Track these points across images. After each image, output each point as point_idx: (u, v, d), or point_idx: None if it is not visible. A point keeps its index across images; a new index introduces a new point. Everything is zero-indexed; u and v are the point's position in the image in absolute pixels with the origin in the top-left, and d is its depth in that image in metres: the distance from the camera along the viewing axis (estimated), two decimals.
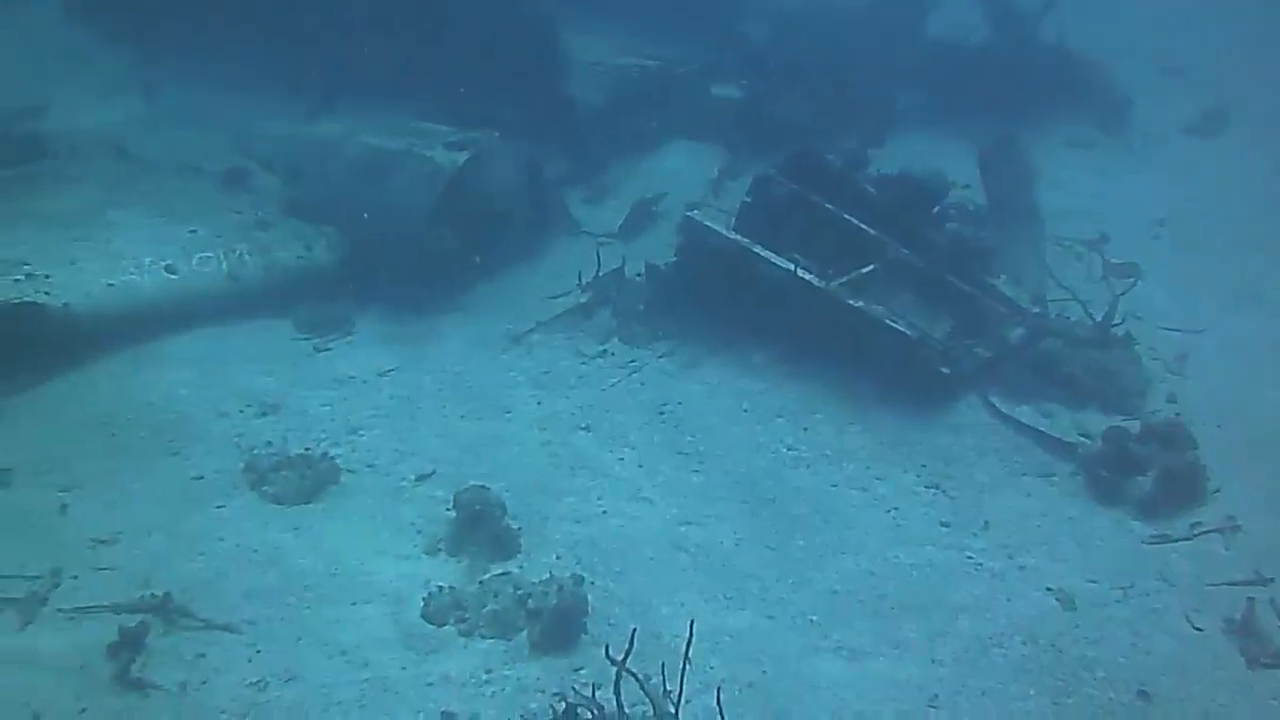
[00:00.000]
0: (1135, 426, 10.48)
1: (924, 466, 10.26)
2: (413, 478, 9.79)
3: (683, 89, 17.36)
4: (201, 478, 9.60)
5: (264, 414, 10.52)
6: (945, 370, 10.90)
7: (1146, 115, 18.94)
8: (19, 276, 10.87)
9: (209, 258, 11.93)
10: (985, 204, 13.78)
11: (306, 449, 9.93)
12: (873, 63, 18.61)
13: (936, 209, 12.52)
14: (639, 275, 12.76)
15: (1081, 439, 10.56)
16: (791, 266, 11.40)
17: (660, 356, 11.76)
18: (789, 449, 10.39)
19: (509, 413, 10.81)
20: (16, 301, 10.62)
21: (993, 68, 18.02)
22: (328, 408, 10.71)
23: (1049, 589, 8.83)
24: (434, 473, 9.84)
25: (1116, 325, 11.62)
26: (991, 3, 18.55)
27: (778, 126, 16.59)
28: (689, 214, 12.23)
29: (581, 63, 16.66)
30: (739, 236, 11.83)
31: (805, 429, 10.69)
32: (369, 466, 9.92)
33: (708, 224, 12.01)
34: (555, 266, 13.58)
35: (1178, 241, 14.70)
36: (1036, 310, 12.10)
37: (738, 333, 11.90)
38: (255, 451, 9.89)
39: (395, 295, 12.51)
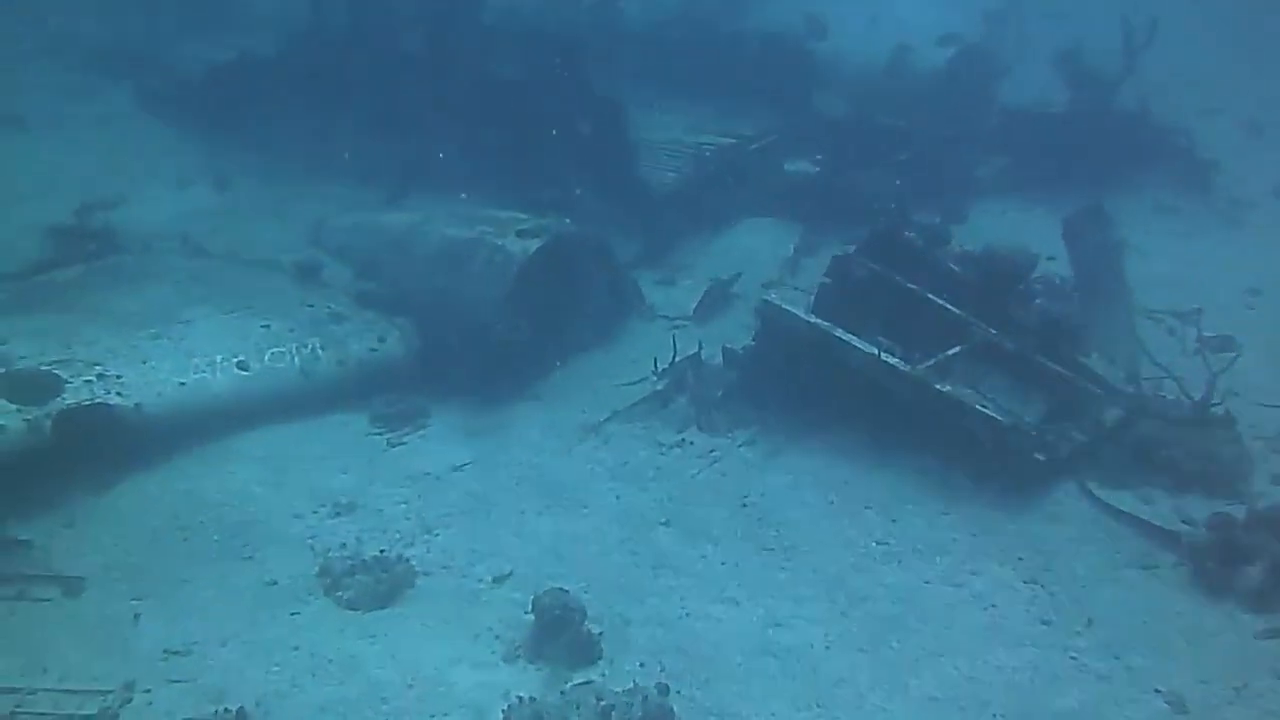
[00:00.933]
0: (1241, 513, 10.00)
1: (1021, 559, 9.86)
2: (490, 579, 9.57)
3: (756, 165, 17.16)
4: (275, 583, 9.43)
5: (338, 514, 10.35)
6: (1040, 457, 10.49)
7: (1233, 177, 18.42)
8: (90, 377, 10.82)
9: (281, 353, 11.84)
10: (1072, 277, 13.36)
11: (382, 551, 9.72)
12: (948, 131, 18.28)
13: (1023, 286, 12.11)
14: (716, 359, 12.43)
15: (1185, 527, 10.10)
16: (875, 350, 11.08)
17: (741, 445, 11.47)
18: (879, 543, 10.04)
19: (586, 508, 10.56)
20: (88, 403, 10.53)
21: (1073, 134, 17.65)
22: (403, 505, 10.52)
23: (1158, 690, 8.40)
24: (511, 574, 9.61)
25: (1216, 405, 11.16)
26: (1070, 68, 18.11)
27: (854, 201, 16.32)
28: (766, 298, 11.98)
29: (653, 142, 16.56)
30: (819, 320, 11.52)
31: (895, 521, 10.33)
32: (445, 568, 9.71)
33: (786, 308, 11.75)
34: (630, 352, 13.36)
35: (1273, 311, 14.14)
36: (1132, 390, 11.66)
37: (821, 419, 11.59)
38: (330, 554, 9.70)
39: (469, 386, 12.31)
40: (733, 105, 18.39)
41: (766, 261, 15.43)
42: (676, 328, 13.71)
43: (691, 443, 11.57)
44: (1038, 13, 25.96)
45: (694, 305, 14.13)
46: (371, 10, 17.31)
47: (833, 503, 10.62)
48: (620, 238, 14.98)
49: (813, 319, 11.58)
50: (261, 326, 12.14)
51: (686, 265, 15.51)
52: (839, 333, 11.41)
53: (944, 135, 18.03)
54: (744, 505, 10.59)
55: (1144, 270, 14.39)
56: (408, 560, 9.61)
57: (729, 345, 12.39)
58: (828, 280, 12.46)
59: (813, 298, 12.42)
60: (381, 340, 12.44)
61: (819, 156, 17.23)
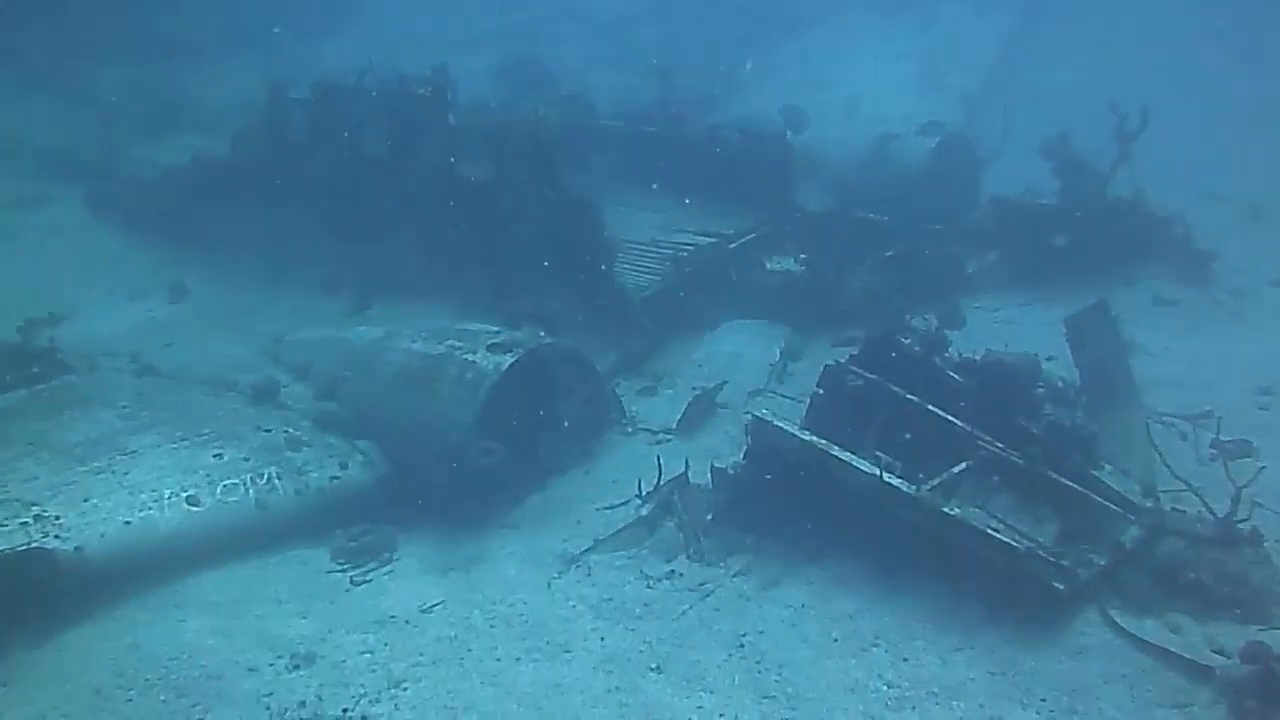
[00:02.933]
0: (1277, 641, 9.29)
1: (1044, 701, 9.15)
2: None
3: (737, 265, 16.62)
4: None
5: (296, 667, 9.58)
6: (1060, 586, 9.79)
7: (1233, 266, 17.92)
8: (27, 519, 10.16)
9: (235, 485, 11.15)
10: (1077, 380, 12.76)
11: (344, 710, 8.98)
12: (936, 225, 17.82)
13: (1029, 395, 11.49)
14: (704, 479, 11.76)
15: (1218, 659, 9.40)
16: (876, 471, 10.41)
17: (734, 576, 10.75)
18: (889, 685, 9.30)
19: (569, 652, 9.80)
20: (23, 548, 9.81)
21: (1066, 225, 17.17)
22: (367, 655, 9.75)
23: None
24: None
25: (1241, 520, 10.50)
26: (1058, 157, 17.67)
27: (842, 301, 15.80)
28: (756, 414, 11.32)
29: (629, 243, 16.04)
30: (814, 437, 10.86)
31: (906, 659, 9.60)
32: None
33: (778, 424, 11.08)
34: (612, 471, 12.70)
35: None
36: (1150, 504, 11.00)
37: (820, 544, 10.90)
38: (287, 714, 8.94)
39: (440, 514, 11.64)
40: (711, 202, 17.99)
41: (752, 367, 14.85)
42: (660, 443, 13.15)
43: (681, 574, 10.83)
44: (1019, 97, 25.77)
45: (678, 418, 13.43)
46: (332, 109, 16.71)
47: (836, 640, 9.88)
48: (597, 345, 14.40)
49: (807, 436, 10.90)
50: (213, 456, 11.45)
51: (668, 373, 14.88)
52: (836, 451, 10.74)
53: (931, 229, 17.53)
54: (741, 645, 9.84)
55: (1148, 370, 13.88)
56: None
57: (717, 464, 11.69)
58: (820, 391, 11.85)
59: (804, 410, 11.78)
60: (343, 467, 11.78)
61: (802, 255, 16.66)
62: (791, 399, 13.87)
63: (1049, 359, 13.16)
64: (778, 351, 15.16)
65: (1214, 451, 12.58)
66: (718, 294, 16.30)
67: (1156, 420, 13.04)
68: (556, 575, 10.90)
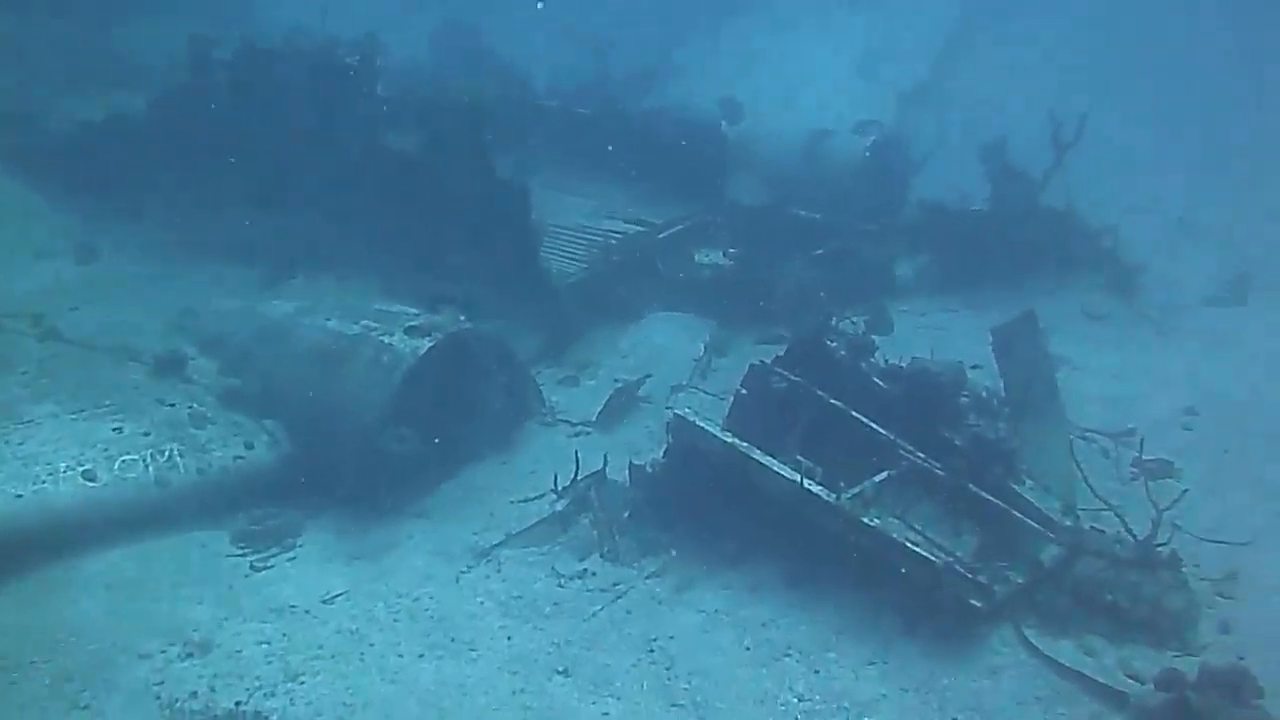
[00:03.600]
0: (1191, 667, 9.27)
1: None
2: None
3: (666, 256, 16.40)
4: None
5: (190, 654, 9.26)
6: (977, 604, 9.71)
7: (1163, 281, 17.97)
8: None
9: (134, 460, 10.75)
10: (1001, 390, 12.67)
11: (237, 703, 8.69)
12: (867, 225, 17.72)
13: (953, 405, 11.40)
14: (622, 475, 11.59)
15: (1132, 684, 9.37)
16: (797, 477, 10.27)
17: (648, 577, 10.58)
18: (800, 699, 9.17)
19: (474, 650, 9.58)
20: None
21: (997, 232, 17.16)
22: (264, 645, 9.45)
23: None
24: None
25: (1161, 544, 10.48)
26: (993, 163, 17.63)
27: (769, 297, 15.66)
28: (678, 412, 11.12)
29: (557, 227, 15.77)
30: (735, 440, 10.70)
31: (818, 672, 9.48)
32: None
33: (700, 424, 10.90)
34: (528, 461, 12.49)
35: (1212, 432, 13.58)
36: (1070, 523, 10.96)
37: (737, 548, 10.74)
38: (177, 705, 8.62)
39: (347, 501, 11.33)
40: (644, 190, 17.78)
41: (676, 361, 14.67)
42: (579, 435, 12.95)
43: (594, 573, 10.63)
44: (954, 100, 25.79)
45: (598, 410, 13.21)
46: (256, 72, 16.23)
47: (749, 648, 9.74)
48: (520, 332, 14.14)
49: (729, 438, 10.73)
50: (113, 429, 11.04)
51: (591, 363, 14.65)
52: (757, 455, 10.58)
53: (864, 229, 17.43)
54: (651, 650, 9.66)
55: (1074, 384, 13.88)
56: (265, 717, 8.50)
57: (636, 461, 11.50)
58: (744, 390, 11.68)
59: (727, 408, 11.63)
60: (249, 447, 11.43)
61: (732, 250, 16.48)
62: (714, 396, 13.72)
63: (974, 367, 13.09)
64: (702, 346, 15.00)
65: (1135, 471, 12.58)
66: (645, 284, 16.09)
67: (1079, 436, 13.05)
68: (465, 569, 10.67)
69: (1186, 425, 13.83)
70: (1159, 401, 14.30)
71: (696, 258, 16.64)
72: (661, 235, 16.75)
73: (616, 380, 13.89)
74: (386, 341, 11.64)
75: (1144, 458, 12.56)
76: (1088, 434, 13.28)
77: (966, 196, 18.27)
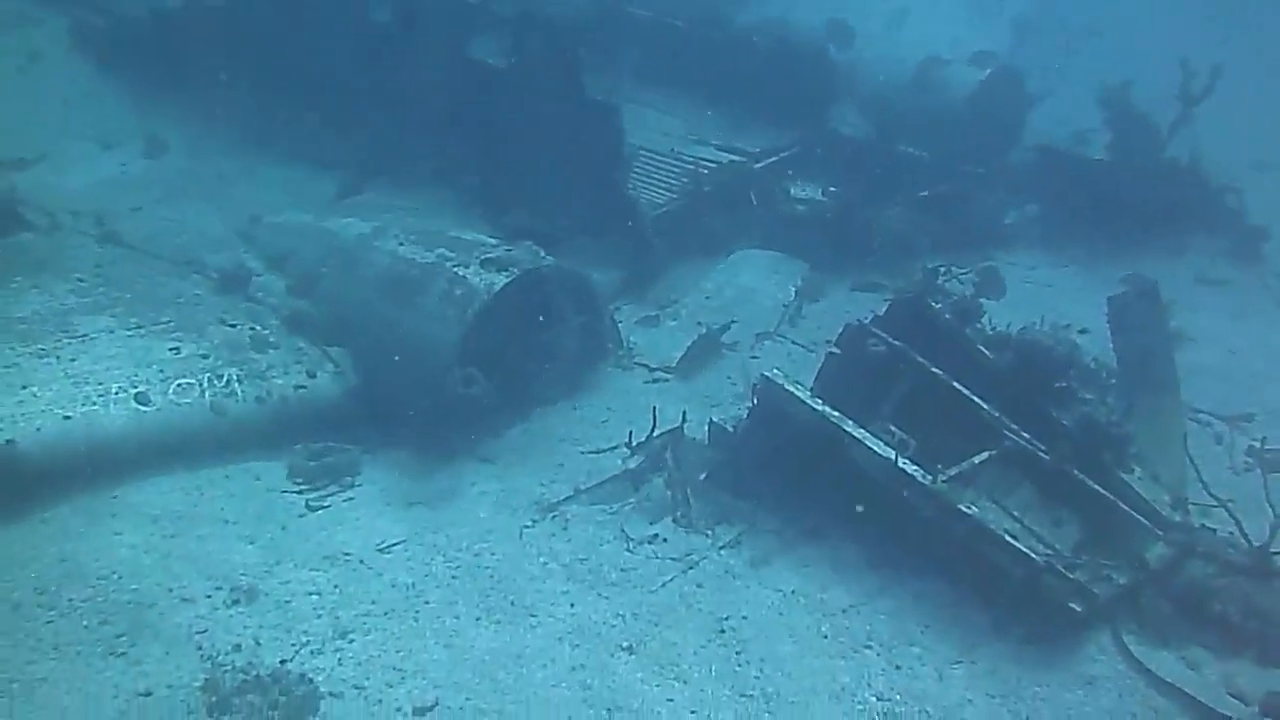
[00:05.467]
0: None
1: None
2: (409, 710, 8.15)
3: (760, 188, 15.73)
4: (149, 694, 8.01)
5: (236, 601, 8.94)
6: (1077, 608, 9.16)
7: None
8: None
9: (190, 385, 10.42)
10: (1111, 363, 12.02)
11: (283, 661, 8.33)
12: (977, 167, 16.94)
13: (1063, 383, 10.76)
14: (700, 433, 11.11)
15: (1236, 705, 8.81)
16: (891, 454, 9.72)
17: (722, 548, 10.10)
18: (879, 698, 8.70)
19: (534, 616, 9.18)
20: None
21: (1114, 184, 16.30)
22: (314, 596, 9.11)
23: None
24: (435, 705, 8.24)
25: (1278, 551, 9.86)
26: (1117, 110, 16.73)
27: (869, 241, 15.00)
28: (766, 374, 10.56)
29: (646, 153, 15.17)
30: (826, 408, 10.12)
31: (899, 668, 9.00)
32: (356, 689, 8.31)
33: (789, 389, 10.35)
34: (602, 409, 12.08)
35: None
36: (1179, 519, 10.35)
37: (819, 522, 10.24)
38: (219, 659, 8.29)
39: (410, 440, 10.96)
40: (739, 112, 17.04)
41: (764, 304, 14.17)
42: (656, 381, 12.42)
43: (665, 539, 10.17)
44: (1076, 29, 24.75)
45: (679, 356, 12.68)
46: None
47: (826, 636, 9.27)
48: (600, 262, 13.63)
49: (819, 406, 10.16)
50: (170, 349, 10.73)
51: (674, 301, 14.17)
52: (849, 426, 10.02)
53: (973, 172, 16.64)
54: (722, 631, 9.21)
55: (1186, 356, 13.04)
56: (311, 680, 8.15)
57: (716, 420, 10.96)
58: (837, 350, 11.10)
59: (817, 368, 11.08)
60: (311, 376, 11.05)
61: (831, 188, 15.76)
62: (803, 346, 13.28)
63: (1082, 331, 12.47)
64: (793, 290, 14.46)
65: (1250, 461, 11.94)
66: (735, 218, 15.47)
67: (1191, 417, 12.33)
68: (530, 524, 10.26)
69: None
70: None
71: (792, 192, 15.96)
72: (757, 165, 16.04)
73: (699, 323, 13.38)
74: (461, 274, 11.17)
75: (1263, 447, 11.89)
76: (1200, 415, 12.58)
77: (1081, 137, 17.44)
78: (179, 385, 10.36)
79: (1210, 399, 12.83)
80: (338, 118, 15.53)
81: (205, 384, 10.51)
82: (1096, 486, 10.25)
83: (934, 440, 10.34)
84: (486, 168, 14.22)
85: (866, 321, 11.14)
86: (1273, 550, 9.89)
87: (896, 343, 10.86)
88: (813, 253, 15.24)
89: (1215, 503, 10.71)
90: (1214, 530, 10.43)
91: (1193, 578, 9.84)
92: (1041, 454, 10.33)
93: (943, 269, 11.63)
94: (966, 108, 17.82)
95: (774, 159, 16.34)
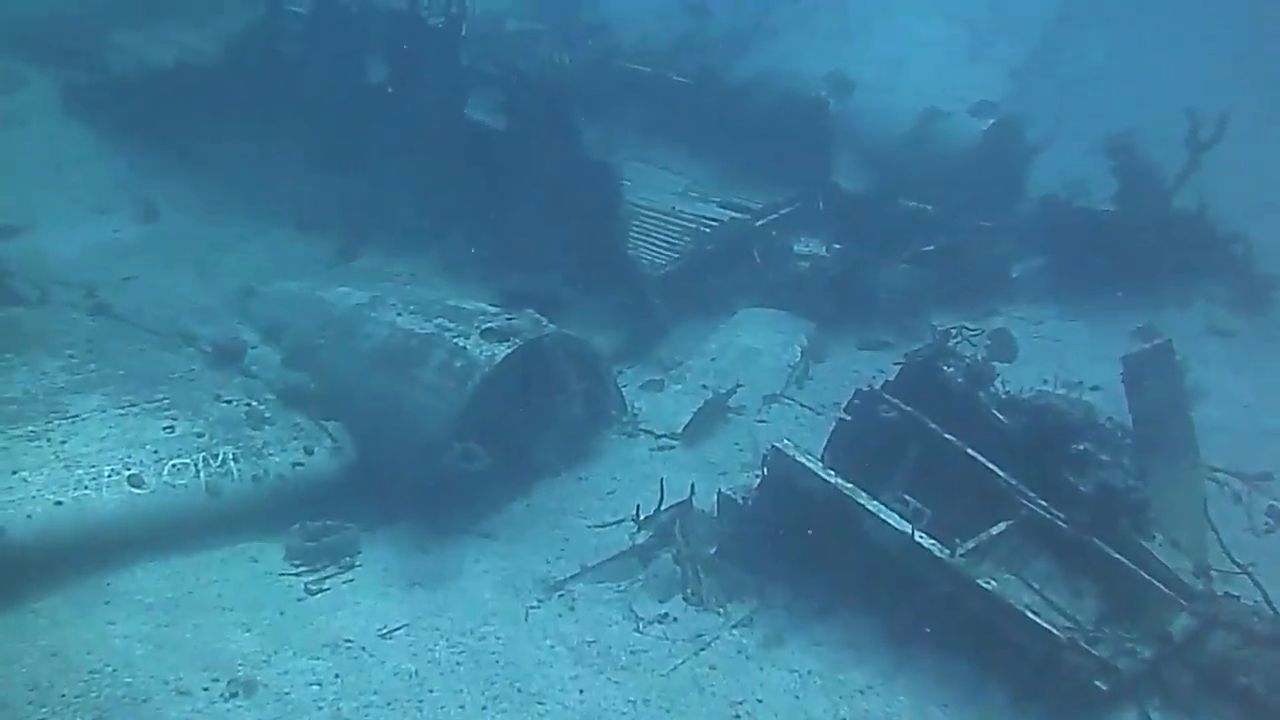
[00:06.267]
0: None
1: None
2: None
3: (762, 245, 15.57)
4: None
5: (234, 694, 8.66)
6: (1102, 686, 8.92)
7: None
8: None
9: (185, 465, 10.19)
10: (1126, 423, 11.79)
11: None
12: (982, 220, 16.79)
13: (1079, 448, 10.54)
14: (709, 502, 10.88)
15: None
16: (907, 528, 9.50)
17: (735, 627, 9.85)
18: None
19: (542, 704, 8.93)
20: None
21: (1124, 236, 16.13)
22: (315, 688, 8.84)
23: None
24: None
25: None
26: (1122, 159, 16.58)
27: (874, 298, 14.85)
28: (776, 445, 10.33)
29: (646, 211, 15.03)
30: (840, 480, 9.91)
31: None
32: None
33: (800, 460, 10.13)
34: (606, 478, 11.87)
35: None
36: (1202, 587, 10.11)
37: (834, 596, 10.00)
38: None
39: (410, 515, 10.77)
40: (740, 168, 16.89)
41: (769, 365, 14.00)
42: (662, 449, 12.20)
43: (675, 618, 9.92)
44: (1071, 75, 24.67)
45: (684, 422, 12.48)
46: (333, 27, 15.55)
47: None
48: (601, 324, 13.53)
49: (832, 478, 9.95)
50: (164, 428, 10.46)
51: (677, 364, 13.94)
52: (863, 498, 9.81)
53: (978, 225, 16.48)
54: (737, 716, 8.97)
55: (1200, 413, 12.75)
56: None
57: (725, 491, 10.74)
58: (847, 416, 10.90)
59: (827, 436, 10.87)
60: (309, 453, 10.82)
61: (836, 245, 15.60)
62: (811, 409, 13.05)
63: (1094, 389, 12.35)
64: (798, 350, 14.23)
65: (1271, 523, 11.73)
66: (737, 276, 15.29)
67: (1209, 477, 12.10)
68: (535, 604, 10.01)
69: None
70: None
71: (795, 248, 15.78)
72: (759, 222, 15.87)
73: (704, 386, 13.17)
74: (461, 345, 10.98)
75: None
76: (1217, 474, 12.33)
77: (1081, 187, 17.29)
78: (173, 466, 10.12)
79: (1226, 457, 12.52)
80: (332, 179, 15.37)
81: (200, 464, 10.26)
82: (1117, 555, 10.02)
83: (947, 508, 10.13)
84: (484, 229, 14.01)
85: (877, 387, 10.94)
86: None
87: (908, 409, 10.65)
88: (817, 310, 15.04)
89: (1237, 569, 10.51)
90: (1237, 598, 10.19)
91: (1217, 650, 9.60)
92: (1060, 522, 10.10)
93: (954, 330, 11.38)
94: (969, 160, 17.65)
95: (775, 215, 16.15)
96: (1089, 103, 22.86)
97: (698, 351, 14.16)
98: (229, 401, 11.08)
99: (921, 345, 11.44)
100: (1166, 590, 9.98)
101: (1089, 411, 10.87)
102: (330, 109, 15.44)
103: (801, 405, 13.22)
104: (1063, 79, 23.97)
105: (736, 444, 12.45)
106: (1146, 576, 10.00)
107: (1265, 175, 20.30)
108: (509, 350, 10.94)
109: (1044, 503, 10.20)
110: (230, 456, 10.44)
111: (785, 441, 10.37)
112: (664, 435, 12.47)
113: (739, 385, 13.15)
